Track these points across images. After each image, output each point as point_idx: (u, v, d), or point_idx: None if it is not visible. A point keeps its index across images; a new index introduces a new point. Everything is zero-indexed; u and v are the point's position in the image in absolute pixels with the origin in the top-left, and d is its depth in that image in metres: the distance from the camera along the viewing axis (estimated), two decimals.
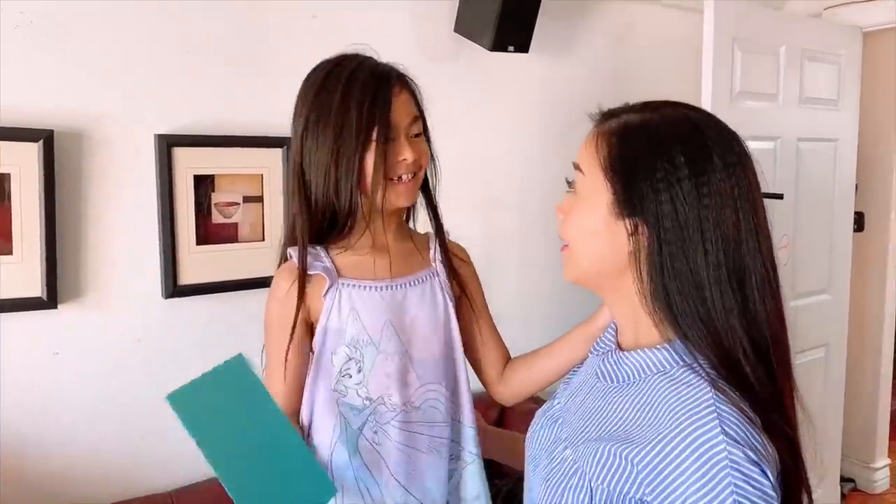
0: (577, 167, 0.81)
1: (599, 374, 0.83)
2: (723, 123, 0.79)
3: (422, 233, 1.14)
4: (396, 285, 1.04)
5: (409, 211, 1.11)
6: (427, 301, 1.06)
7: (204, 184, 1.68)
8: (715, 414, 0.65)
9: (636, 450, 0.69)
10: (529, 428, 0.98)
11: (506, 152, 2.21)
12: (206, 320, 1.73)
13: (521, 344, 1.53)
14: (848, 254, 2.77)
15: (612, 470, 0.70)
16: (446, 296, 1.08)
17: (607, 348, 0.87)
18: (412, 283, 1.06)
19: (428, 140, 1.06)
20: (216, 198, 1.71)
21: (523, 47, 1.92)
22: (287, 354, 1.01)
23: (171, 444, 1.69)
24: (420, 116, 1.02)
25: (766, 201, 0.78)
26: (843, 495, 2.94)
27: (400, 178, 1.00)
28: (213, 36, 1.69)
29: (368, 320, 1.01)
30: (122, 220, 1.61)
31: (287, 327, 1.00)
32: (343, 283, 1.01)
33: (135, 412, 1.65)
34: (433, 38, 2.02)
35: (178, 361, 1.69)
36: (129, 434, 1.65)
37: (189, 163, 1.65)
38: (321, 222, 1.02)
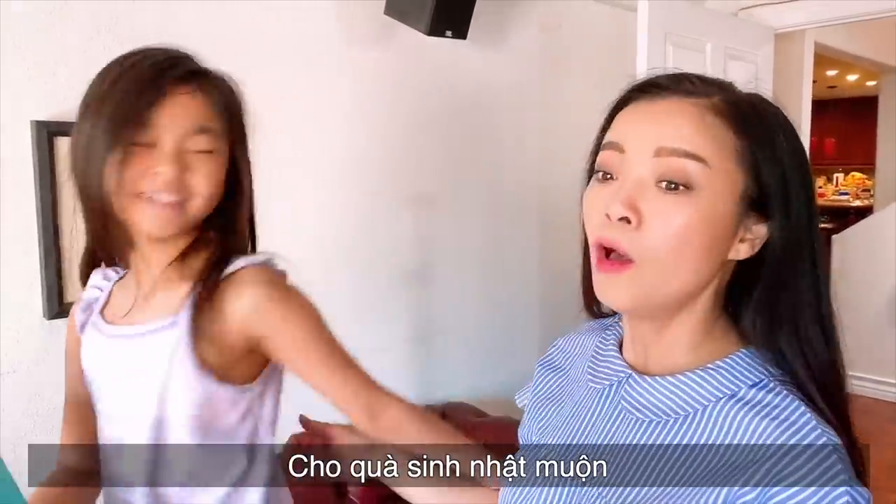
0: (687, 154, 0.59)
1: (631, 407, 0.65)
2: None
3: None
4: (124, 334, 0.79)
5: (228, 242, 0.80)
6: (142, 363, 0.77)
7: None
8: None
9: (743, 491, 0.55)
10: (511, 495, 0.74)
11: (437, 145, 2.05)
12: None
13: (458, 352, 1.38)
14: None
15: None
16: (177, 361, 0.75)
17: (617, 373, 0.68)
18: (141, 333, 0.77)
19: (235, 166, 0.80)
20: None
21: (461, 33, 1.77)
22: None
23: None
24: (212, 131, 0.76)
25: None
26: None
27: (151, 196, 0.73)
28: (106, 12, 1.42)
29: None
30: None
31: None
32: (94, 321, 0.83)
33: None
34: (360, 20, 1.82)
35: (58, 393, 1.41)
36: None
37: None
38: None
